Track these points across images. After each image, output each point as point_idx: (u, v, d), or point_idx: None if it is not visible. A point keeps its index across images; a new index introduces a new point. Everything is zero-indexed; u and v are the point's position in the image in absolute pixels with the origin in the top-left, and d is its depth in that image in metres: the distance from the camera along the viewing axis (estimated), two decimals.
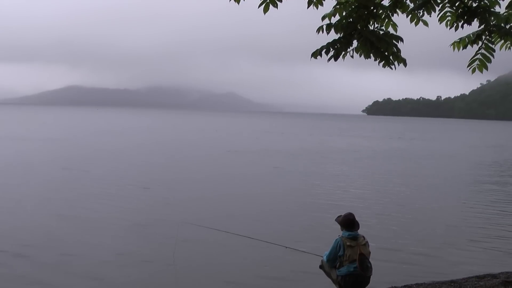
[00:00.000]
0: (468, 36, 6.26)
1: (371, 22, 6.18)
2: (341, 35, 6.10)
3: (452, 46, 6.49)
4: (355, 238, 6.91)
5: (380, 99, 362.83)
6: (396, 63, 6.17)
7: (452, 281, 9.08)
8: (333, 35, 6.10)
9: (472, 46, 6.23)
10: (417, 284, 8.96)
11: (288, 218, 14.77)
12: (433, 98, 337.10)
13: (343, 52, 6.15)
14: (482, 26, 6.06)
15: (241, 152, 36.46)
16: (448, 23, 6.22)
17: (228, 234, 10.36)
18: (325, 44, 6.12)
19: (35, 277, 9.37)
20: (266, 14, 6.26)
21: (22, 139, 43.07)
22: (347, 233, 6.95)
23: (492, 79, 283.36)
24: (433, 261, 10.92)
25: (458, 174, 27.76)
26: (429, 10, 6.06)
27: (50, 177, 21.91)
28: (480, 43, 6.14)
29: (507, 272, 9.71)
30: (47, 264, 10.10)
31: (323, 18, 6.12)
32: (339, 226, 7.18)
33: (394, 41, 6.08)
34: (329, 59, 6.18)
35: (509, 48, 6.33)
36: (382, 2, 6.25)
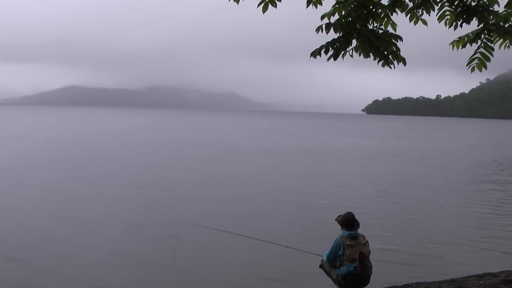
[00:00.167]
0: (467, 35, 6.27)
1: (371, 21, 6.18)
2: (341, 34, 6.10)
3: (451, 45, 6.49)
4: (355, 237, 6.92)
5: (380, 98, 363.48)
6: (395, 62, 6.18)
7: (452, 280, 9.08)
8: (333, 35, 6.11)
9: (471, 45, 6.23)
10: (417, 283, 8.95)
11: (288, 217, 14.76)
12: (433, 97, 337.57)
13: (343, 52, 6.16)
14: (481, 25, 6.06)
15: (241, 152, 36.45)
16: (447, 22, 6.22)
17: (228, 234, 10.36)
18: (324, 43, 6.13)
19: (35, 276, 9.36)
20: (265, 13, 6.26)
21: (21, 139, 43.06)
22: (347, 233, 6.96)
23: (492, 78, 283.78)
24: (433, 260, 10.92)
25: (458, 173, 27.76)
26: (428, 9, 6.07)
27: (49, 177, 21.90)
28: (479, 42, 6.14)
29: (507, 271, 9.71)
30: (47, 264, 10.08)
31: (322, 18, 6.12)
32: (339, 226, 7.19)
33: (393, 40, 6.08)
34: (328, 59, 6.18)
35: (508, 47, 6.33)
36: (381, 1, 6.25)
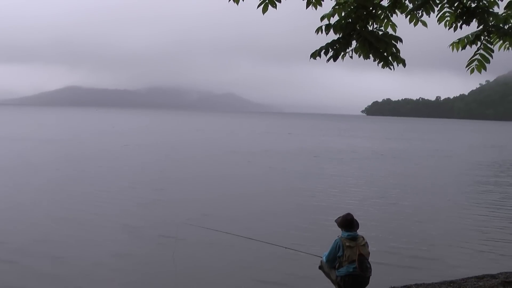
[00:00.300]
0: (467, 37, 6.26)
1: (370, 23, 6.17)
2: (340, 35, 6.09)
3: (451, 47, 6.48)
4: (354, 238, 6.90)
5: (380, 100, 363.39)
6: (395, 63, 6.16)
7: (451, 282, 9.08)
8: (332, 36, 6.10)
9: (471, 47, 6.22)
10: (416, 285, 8.95)
11: (287, 218, 14.75)
12: (432, 98, 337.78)
13: (342, 53, 6.14)
14: (481, 27, 6.05)
15: (240, 153, 36.45)
16: (447, 23, 6.22)
17: (227, 235, 10.34)
18: (324, 44, 6.12)
19: (34, 278, 9.36)
20: (265, 14, 6.26)
21: (21, 139, 43.04)
22: (346, 234, 6.95)
23: (491, 79, 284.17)
24: (432, 262, 10.92)
25: (457, 174, 27.77)
26: (428, 10, 6.06)
27: (49, 177, 21.89)
28: (479, 43, 6.13)
29: (506, 273, 9.72)
30: (46, 265, 10.08)
31: (322, 19, 6.11)
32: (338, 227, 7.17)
33: (393, 42, 6.07)
34: (328, 60, 6.17)
35: (508, 48, 6.32)
36: (381, 3, 6.24)
